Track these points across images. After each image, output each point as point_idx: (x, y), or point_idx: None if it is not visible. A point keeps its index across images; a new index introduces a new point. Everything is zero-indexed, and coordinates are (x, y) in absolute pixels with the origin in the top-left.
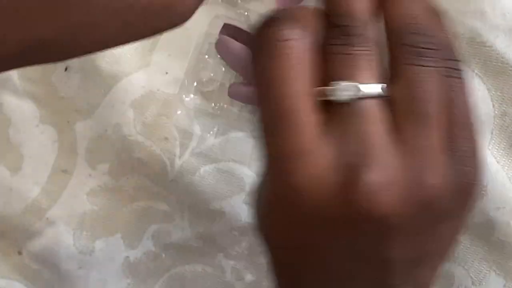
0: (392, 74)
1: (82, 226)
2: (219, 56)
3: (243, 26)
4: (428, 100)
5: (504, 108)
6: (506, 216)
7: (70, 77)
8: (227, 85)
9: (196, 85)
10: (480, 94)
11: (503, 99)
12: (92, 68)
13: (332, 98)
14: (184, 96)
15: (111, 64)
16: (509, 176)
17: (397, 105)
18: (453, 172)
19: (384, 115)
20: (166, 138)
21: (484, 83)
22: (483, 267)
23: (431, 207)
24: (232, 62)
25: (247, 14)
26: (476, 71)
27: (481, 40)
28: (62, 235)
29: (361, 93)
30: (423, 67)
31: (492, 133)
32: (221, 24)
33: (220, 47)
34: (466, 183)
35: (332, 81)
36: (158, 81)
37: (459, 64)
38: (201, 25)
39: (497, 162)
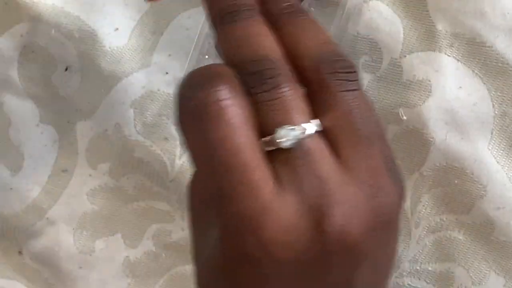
0: (321, 103)
1: (83, 226)
2: (219, 56)
3: None
4: (365, 122)
5: (504, 108)
6: (505, 216)
7: (70, 77)
8: None
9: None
10: (480, 94)
11: (503, 99)
12: (92, 68)
13: (279, 145)
14: None
15: (111, 64)
16: (509, 176)
17: (335, 132)
18: (394, 183)
19: (326, 148)
20: (166, 138)
21: (484, 83)
22: (483, 267)
23: (388, 224)
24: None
25: None
26: (476, 71)
27: (481, 40)
28: (62, 235)
29: (304, 134)
30: (354, 91)
31: (492, 133)
32: None
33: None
34: (403, 190)
35: (273, 128)
36: (158, 81)
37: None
38: (201, 26)
39: (497, 162)
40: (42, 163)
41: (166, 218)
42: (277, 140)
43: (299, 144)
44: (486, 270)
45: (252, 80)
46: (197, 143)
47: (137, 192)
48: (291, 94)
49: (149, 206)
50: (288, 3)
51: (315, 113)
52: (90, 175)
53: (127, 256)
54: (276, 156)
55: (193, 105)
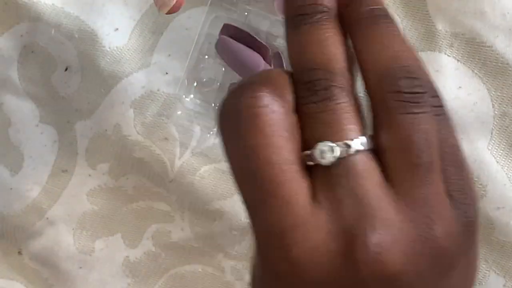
0: (379, 122)
1: (82, 226)
2: (219, 56)
3: (243, 26)
4: (425, 149)
5: (504, 108)
6: (505, 216)
7: (70, 77)
8: (227, 85)
9: (196, 85)
10: (480, 94)
11: (502, 99)
12: (92, 68)
13: (318, 162)
14: (184, 96)
15: (111, 64)
16: (509, 176)
17: (390, 155)
18: (456, 214)
19: (376, 168)
20: (166, 138)
21: (484, 83)
22: (482, 267)
23: (442, 257)
24: (232, 62)
25: (247, 15)
26: (476, 71)
27: (481, 40)
28: (62, 235)
29: (347, 151)
30: (418, 114)
31: (492, 133)
32: (221, 25)
33: (220, 47)
34: (470, 221)
35: (315, 142)
36: (158, 81)
37: (442, 100)
38: (201, 26)
39: (497, 162)
40: (42, 163)
41: (165, 218)
42: (315, 156)
43: (343, 161)
44: (486, 270)
45: (304, 90)
46: (231, 149)
47: (136, 192)
48: (342, 108)
49: (148, 206)
50: (371, 7)
51: (374, 131)
52: (89, 175)
53: (127, 256)
54: (320, 171)
55: (231, 110)
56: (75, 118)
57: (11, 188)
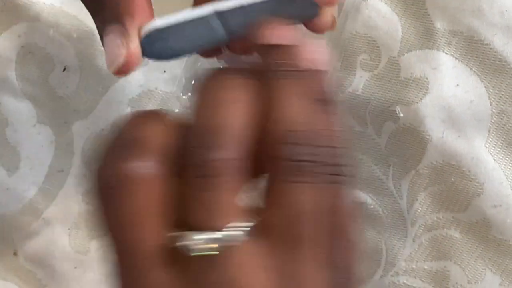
0: (268, 193)
1: (78, 226)
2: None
3: None
4: (302, 221)
5: (501, 106)
6: (502, 214)
7: (68, 76)
8: None
9: (194, 83)
10: (478, 92)
11: (500, 97)
12: (90, 67)
13: (184, 249)
14: (181, 94)
15: None
16: (506, 174)
17: (273, 229)
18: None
19: (257, 256)
20: None
21: (482, 81)
22: (479, 265)
23: None
24: (230, 60)
25: None
26: (473, 69)
27: (479, 38)
28: (58, 235)
29: (218, 243)
30: (300, 184)
31: (489, 131)
32: None
33: None
34: None
35: (186, 225)
36: (156, 79)
37: (345, 169)
38: None
39: (494, 160)
40: (39, 163)
41: None
42: (181, 243)
43: (218, 252)
44: (482, 269)
45: (191, 157)
46: (103, 221)
47: None
48: (228, 189)
49: None
50: (283, 57)
51: (259, 212)
52: (85, 175)
53: None
54: (187, 259)
55: (102, 178)
56: (73, 118)
57: (7, 189)
